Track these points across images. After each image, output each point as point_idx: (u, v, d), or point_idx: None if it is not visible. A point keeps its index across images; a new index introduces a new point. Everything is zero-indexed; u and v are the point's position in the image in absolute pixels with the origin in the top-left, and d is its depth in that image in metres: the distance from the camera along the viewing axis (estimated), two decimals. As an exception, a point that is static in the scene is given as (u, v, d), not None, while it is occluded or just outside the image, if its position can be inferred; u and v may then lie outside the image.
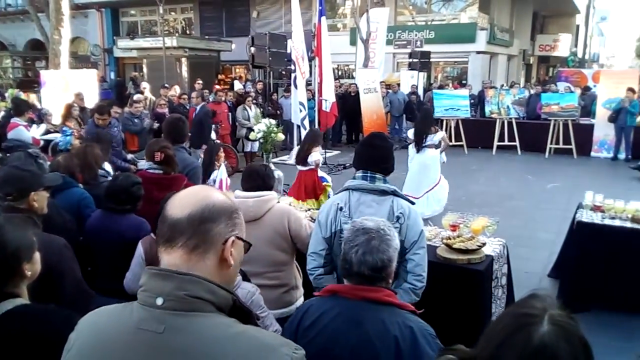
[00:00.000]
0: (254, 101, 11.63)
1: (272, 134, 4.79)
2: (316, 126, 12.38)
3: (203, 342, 1.03)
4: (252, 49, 10.90)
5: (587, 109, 12.69)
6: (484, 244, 3.62)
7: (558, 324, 1.03)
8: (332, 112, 11.75)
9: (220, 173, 5.03)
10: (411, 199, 2.54)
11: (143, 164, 3.71)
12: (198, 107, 9.46)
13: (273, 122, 5.06)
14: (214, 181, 4.98)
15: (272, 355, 1.04)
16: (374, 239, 1.75)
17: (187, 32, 24.94)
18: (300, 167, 5.84)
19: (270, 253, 2.80)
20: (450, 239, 3.64)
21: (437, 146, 6.90)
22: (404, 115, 14.45)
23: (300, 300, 2.98)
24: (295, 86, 11.38)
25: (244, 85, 17.03)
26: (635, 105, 11.31)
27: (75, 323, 1.16)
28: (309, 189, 5.96)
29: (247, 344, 1.05)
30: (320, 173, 6.13)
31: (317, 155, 5.91)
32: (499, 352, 1.05)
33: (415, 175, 6.97)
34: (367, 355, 1.66)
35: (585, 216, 4.63)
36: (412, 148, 7.07)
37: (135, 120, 8.22)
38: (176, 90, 12.08)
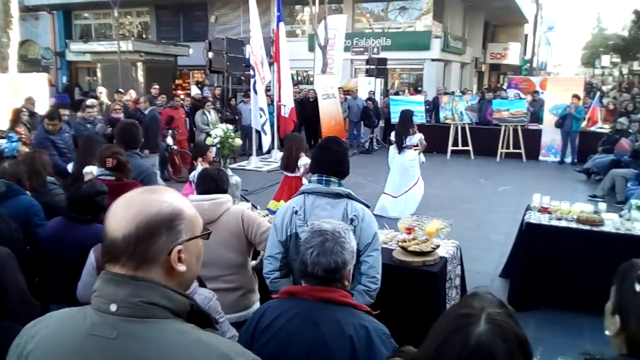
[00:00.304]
0: (212, 106, 11.52)
1: (229, 140, 4.77)
2: (275, 132, 12.42)
3: (157, 348, 1.02)
4: (210, 53, 10.81)
5: (536, 115, 13.24)
6: (438, 246, 3.70)
7: (495, 322, 1.05)
8: (290, 117, 11.80)
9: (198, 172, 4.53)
10: (366, 202, 2.58)
11: (96, 170, 3.61)
12: (146, 112, 9.29)
13: (230, 127, 5.03)
14: (193, 181, 4.69)
15: None
16: (328, 241, 1.77)
17: (144, 36, 24.46)
18: (286, 173, 5.59)
19: (226, 256, 2.80)
20: (405, 241, 3.70)
21: (415, 147, 7.24)
22: (362, 121, 14.65)
23: (257, 304, 2.97)
24: (255, 91, 11.35)
25: (202, 90, 16.85)
26: (580, 111, 11.90)
27: (16, 334, 1.13)
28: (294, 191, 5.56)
29: (203, 352, 1.04)
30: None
31: (306, 159, 5.63)
32: (438, 353, 1.07)
33: (396, 175, 7.35)
34: (323, 356, 1.67)
35: (533, 218, 4.80)
36: (393, 149, 7.43)
37: (88, 126, 7.99)
38: (132, 95, 11.82)
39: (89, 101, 9.23)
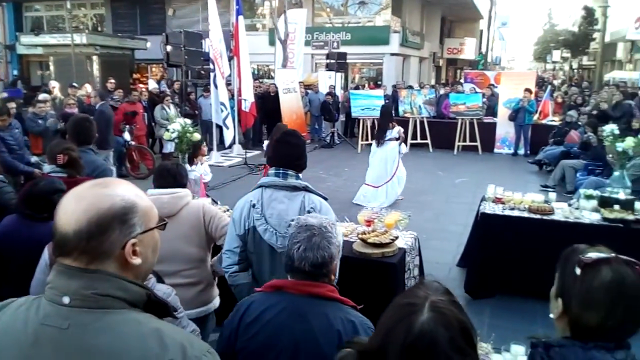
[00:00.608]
0: (171, 101, 11.31)
1: (187, 134, 4.70)
2: (236, 126, 12.32)
3: (111, 338, 1.02)
4: (169, 47, 10.58)
5: (492, 109, 13.63)
6: (397, 238, 3.80)
7: (438, 310, 1.08)
8: (251, 112, 11.72)
9: (198, 169, 5.22)
10: (324, 194, 2.62)
11: (47, 167, 3.51)
12: (97, 107, 9.03)
13: (188, 121, 4.95)
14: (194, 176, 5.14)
15: (183, 355, 1.04)
16: (315, 236, 1.79)
17: (99, 29, 23.68)
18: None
19: (186, 250, 2.78)
20: (365, 233, 3.78)
21: (397, 139, 7.72)
22: (323, 116, 14.70)
23: (217, 299, 2.97)
24: (215, 86, 11.21)
25: (159, 85, 16.49)
26: (532, 105, 12.34)
27: None
28: None
29: (159, 341, 1.04)
30: None
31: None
32: (384, 342, 1.09)
33: (376, 167, 7.79)
34: (311, 349, 1.70)
35: (488, 208, 4.98)
36: (374, 144, 7.92)
37: (39, 121, 7.71)
38: (87, 89, 11.45)
39: (41, 96, 8.89)
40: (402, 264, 3.74)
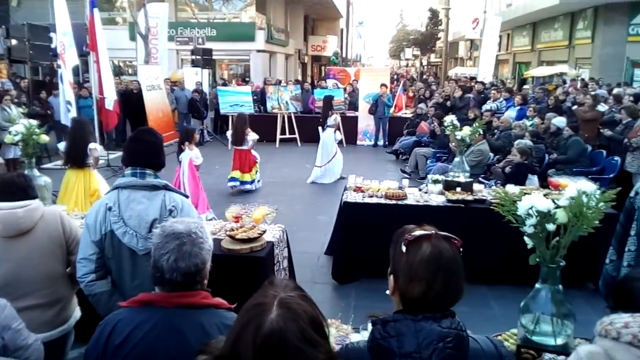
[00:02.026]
0: (16, 100, 10.18)
1: (34, 136, 4.32)
2: (96, 126, 11.49)
3: None
4: (13, 41, 9.51)
5: (354, 104, 14.42)
6: (265, 232, 3.89)
7: (286, 306, 1.10)
8: (114, 110, 11.02)
9: (187, 154, 6.57)
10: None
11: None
12: None
13: (34, 122, 4.54)
14: (180, 162, 6.62)
15: None
16: (185, 244, 1.69)
17: None
18: (236, 147, 7.96)
19: (46, 266, 2.57)
20: (233, 230, 3.83)
21: (331, 126, 9.23)
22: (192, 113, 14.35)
23: (77, 312, 2.79)
24: (63, 83, 10.34)
25: (2, 83, 14.69)
26: (389, 99, 13.35)
27: None
28: (245, 164, 8.35)
29: None
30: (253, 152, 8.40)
31: (253, 134, 8.18)
32: (236, 346, 1.09)
33: (320, 149, 9.30)
34: None
35: (350, 197, 5.29)
36: (320, 129, 9.37)
37: None
38: None
39: None
40: (271, 257, 3.81)
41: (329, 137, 9.20)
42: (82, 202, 5.09)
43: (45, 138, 4.51)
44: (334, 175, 9.24)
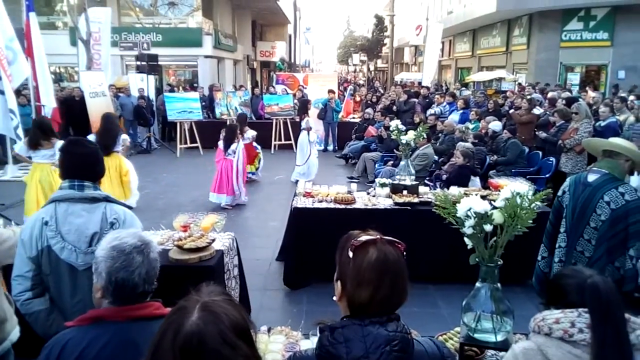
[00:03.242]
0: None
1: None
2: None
3: None
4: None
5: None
6: (214, 240, 3.85)
7: (207, 309, 1.11)
8: (54, 118, 10.54)
9: (240, 145, 8.09)
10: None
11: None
12: None
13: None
14: (234, 152, 7.99)
15: None
16: (134, 257, 1.68)
17: None
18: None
19: None
20: (181, 239, 3.76)
21: (304, 129, 9.86)
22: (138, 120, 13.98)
23: (16, 331, 2.66)
24: (1, 92, 9.80)
25: None
26: (337, 104, 13.51)
27: None
28: (249, 156, 9.20)
29: None
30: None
31: (251, 131, 9.51)
32: (156, 351, 1.09)
33: (298, 150, 9.91)
34: None
35: (300, 202, 5.30)
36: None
37: None
38: None
39: None
40: (221, 266, 3.78)
41: (304, 138, 9.72)
42: (116, 182, 6.11)
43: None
44: (311, 171, 9.64)
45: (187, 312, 1.12)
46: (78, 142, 2.53)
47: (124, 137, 6.50)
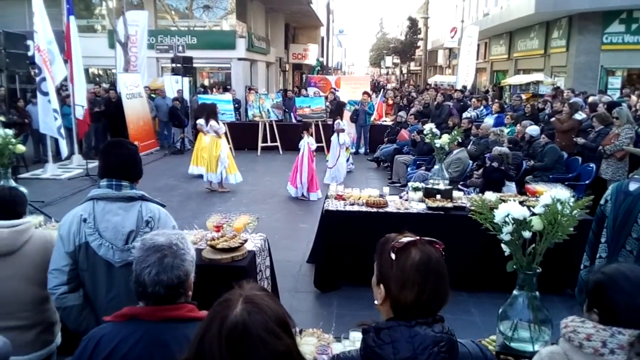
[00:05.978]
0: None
1: (10, 146, 4.23)
2: (74, 135, 11.38)
3: None
4: (-11, 49, 9.35)
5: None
6: (246, 241, 3.88)
7: (251, 301, 1.16)
8: (84, 119, 10.90)
9: (305, 140, 8.63)
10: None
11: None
12: None
13: (9, 132, 4.45)
14: (301, 146, 8.62)
15: None
16: (167, 257, 1.67)
17: None
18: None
19: (26, 290, 2.50)
20: (214, 239, 3.81)
21: (337, 130, 9.83)
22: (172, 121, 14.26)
23: (59, 335, 2.73)
24: (43, 92, 10.19)
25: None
26: (370, 107, 13.45)
27: None
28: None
29: None
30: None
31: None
32: (202, 344, 1.13)
33: (330, 152, 9.99)
34: None
35: (331, 205, 5.29)
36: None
37: None
38: None
39: None
40: (253, 267, 3.81)
41: (335, 140, 9.80)
42: (213, 156, 9.03)
43: (21, 148, 4.43)
44: (341, 173, 9.64)
45: (231, 303, 1.17)
46: (118, 143, 2.58)
47: (212, 123, 9.01)
